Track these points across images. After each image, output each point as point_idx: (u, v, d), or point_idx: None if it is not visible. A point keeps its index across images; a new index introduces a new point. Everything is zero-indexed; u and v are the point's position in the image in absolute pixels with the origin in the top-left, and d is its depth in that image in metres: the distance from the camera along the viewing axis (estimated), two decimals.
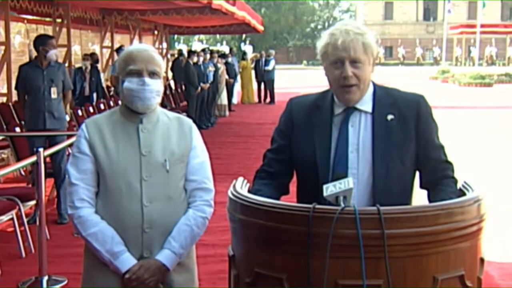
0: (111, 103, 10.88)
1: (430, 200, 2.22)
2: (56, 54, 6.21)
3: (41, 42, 6.23)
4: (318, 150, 2.22)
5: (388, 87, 2.33)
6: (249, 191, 2.20)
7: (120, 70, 2.42)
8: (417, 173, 2.29)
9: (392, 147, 2.18)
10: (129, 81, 2.37)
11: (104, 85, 12.92)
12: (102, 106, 10.19)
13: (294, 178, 2.38)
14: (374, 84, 2.28)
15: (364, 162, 2.20)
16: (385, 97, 2.25)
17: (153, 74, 2.39)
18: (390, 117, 2.21)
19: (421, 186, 2.30)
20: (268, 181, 2.31)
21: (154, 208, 2.39)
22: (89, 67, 11.27)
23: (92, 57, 11.84)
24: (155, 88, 2.39)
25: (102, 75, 12.70)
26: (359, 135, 2.22)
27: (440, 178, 2.23)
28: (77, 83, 11.11)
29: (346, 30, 2.15)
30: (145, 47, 2.47)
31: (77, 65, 12.35)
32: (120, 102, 2.52)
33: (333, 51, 2.15)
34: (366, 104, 2.24)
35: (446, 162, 2.26)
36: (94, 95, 11.25)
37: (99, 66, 12.54)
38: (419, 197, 2.30)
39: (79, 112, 9.18)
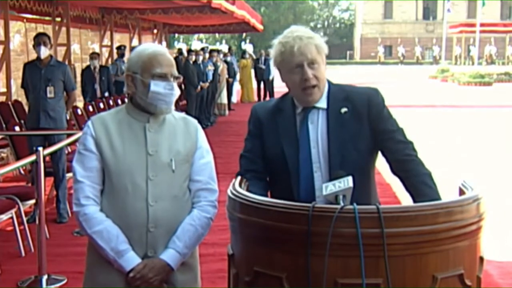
0: (110, 102, 10.86)
1: (407, 189, 2.30)
2: (43, 51, 6.17)
3: (33, 40, 6.31)
4: (286, 149, 2.35)
5: (342, 84, 2.47)
6: None
7: (142, 71, 2.40)
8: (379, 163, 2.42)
9: (346, 137, 2.32)
10: (155, 84, 2.38)
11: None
12: (101, 105, 10.17)
13: None
14: (329, 82, 2.41)
15: (324, 155, 2.33)
16: (338, 93, 2.39)
17: (175, 78, 2.44)
18: (343, 110, 2.35)
19: (393, 172, 2.38)
20: (254, 181, 2.36)
21: (159, 207, 2.39)
22: (97, 66, 10.97)
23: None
24: (177, 92, 2.44)
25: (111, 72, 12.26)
26: (318, 131, 2.35)
27: (403, 160, 2.32)
28: (87, 84, 10.82)
29: (298, 36, 2.30)
30: (163, 49, 2.50)
31: (77, 65, 12.23)
32: (120, 101, 2.53)
33: (290, 57, 2.29)
34: (322, 101, 2.37)
35: (405, 142, 2.36)
36: (106, 94, 11.05)
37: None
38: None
39: (79, 111, 9.17)
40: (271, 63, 15.53)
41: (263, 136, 2.42)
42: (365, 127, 2.34)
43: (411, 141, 2.38)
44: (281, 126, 2.39)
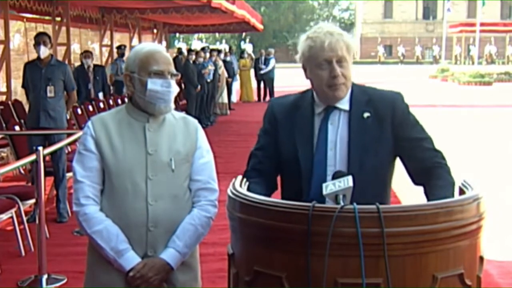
0: (111, 102, 10.85)
1: (427, 197, 2.22)
2: (42, 50, 6.16)
3: (34, 39, 6.31)
4: (301, 149, 2.28)
5: (365, 85, 2.39)
6: None
7: (139, 70, 2.40)
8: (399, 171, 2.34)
9: (367, 143, 2.24)
10: (153, 82, 2.38)
11: (108, 83, 12.19)
12: (101, 105, 10.16)
13: None
14: (352, 83, 2.33)
15: (341, 159, 2.26)
16: (361, 96, 2.31)
17: (172, 76, 2.42)
18: (366, 114, 2.27)
19: (415, 183, 2.31)
20: (259, 179, 2.33)
21: (159, 207, 2.40)
22: (91, 65, 10.49)
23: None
24: (175, 89, 2.43)
25: (107, 71, 11.87)
26: (337, 133, 2.28)
27: (430, 168, 2.24)
28: (81, 84, 10.16)
29: (329, 32, 2.22)
30: (160, 47, 2.50)
31: (77, 64, 12.03)
32: (120, 101, 2.53)
33: (320, 52, 2.21)
34: (344, 102, 2.30)
35: (433, 150, 2.29)
36: (100, 95, 10.65)
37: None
38: (419, 196, 2.30)
39: (79, 111, 9.17)
40: (272, 62, 15.40)
41: (277, 134, 2.35)
42: (387, 134, 2.26)
43: (440, 150, 2.30)
44: (297, 124, 2.32)
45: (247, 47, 26.15)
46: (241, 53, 21.17)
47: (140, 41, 17.09)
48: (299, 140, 2.29)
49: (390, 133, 2.26)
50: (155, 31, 20.12)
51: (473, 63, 39.24)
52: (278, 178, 2.42)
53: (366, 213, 1.79)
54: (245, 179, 2.33)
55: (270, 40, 57.82)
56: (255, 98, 20.55)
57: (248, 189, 2.23)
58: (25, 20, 12.47)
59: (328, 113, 2.29)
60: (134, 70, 2.42)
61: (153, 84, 2.38)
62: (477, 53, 36.30)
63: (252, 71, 20.47)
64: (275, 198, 2.08)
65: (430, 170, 2.24)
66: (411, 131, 2.28)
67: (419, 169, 2.27)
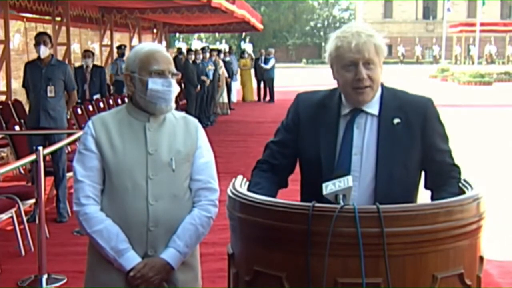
0: (111, 102, 10.84)
1: (432, 200, 2.20)
2: (42, 50, 6.16)
3: (34, 39, 6.31)
4: (323, 151, 2.22)
5: (396, 89, 2.31)
6: (249, 182, 2.24)
7: (139, 69, 2.41)
8: (422, 176, 2.29)
9: (397, 152, 2.18)
10: (153, 82, 2.38)
11: (108, 83, 12.09)
12: (101, 105, 10.15)
13: (295, 176, 2.38)
14: (383, 86, 2.27)
15: (367, 165, 2.19)
16: (392, 100, 2.24)
17: (173, 75, 2.43)
18: (396, 120, 2.20)
19: (426, 187, 2.29)
20: (269, 174, 2.31)
21: (159, 206, 2.40)
22: (90, 66, 10.13)
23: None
24: (176, 88, 2.43)
25: (107, 71, 11.59)
26: (364, 138, 2.21)
27: (444, 179, 2.22)
28: (78, 85, 10.17)
29: (358, 32, 2.15)
30: (160, 47, 2.50)
31: (77, 64, 11.97)
32: (120, 101, 2.53)
33: (346, 53, 2.14)
34: (373, 106, 2.23)
35: (452, 165, 2.25)
36: (96, 97, 10.24)
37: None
38: (423, 197, 2.30)
39: (79, 111, 9.16)
40: (272, 61, 15.45)
41: (298, 132, 2.29)
42: (417, 142, 2.20)
43: (458, 165, 2.26)
44: (322, 124, 2.25)
45: (247, 47, 26.18)
46: (241, 53, 21.18)
47: (140, 41, 17.09)
48: (322, 140, 2.23)
49: (420, 141, 2.20)
50: (155, 31, 20.13)
51: (473, 63, 39.24)
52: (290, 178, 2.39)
53: (366, 213, 1.80)
54: (256, 169, 2.32)
55: (270, 40, 57.81)
56: (255, 98, 20.56)
57: (256, 182, 2.24)
58: (25, 20, 12.47)
59: (354, 116, 2.22)
60: (135, 70, 2.42)
61: (154, 84, 2.38)
62: (477, 53, 36.29)
63: (252, 71, 20.47)
64: (276, 198, 2.09)
65: (444, 181, 2.21)
66: (437, 141, 2.23)
67: (433, 179, 2.25)
